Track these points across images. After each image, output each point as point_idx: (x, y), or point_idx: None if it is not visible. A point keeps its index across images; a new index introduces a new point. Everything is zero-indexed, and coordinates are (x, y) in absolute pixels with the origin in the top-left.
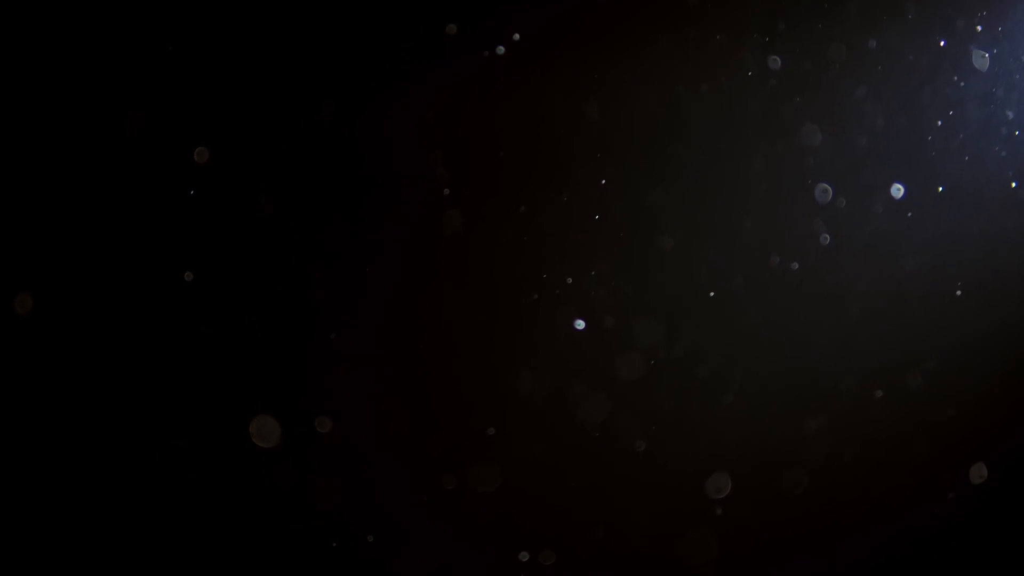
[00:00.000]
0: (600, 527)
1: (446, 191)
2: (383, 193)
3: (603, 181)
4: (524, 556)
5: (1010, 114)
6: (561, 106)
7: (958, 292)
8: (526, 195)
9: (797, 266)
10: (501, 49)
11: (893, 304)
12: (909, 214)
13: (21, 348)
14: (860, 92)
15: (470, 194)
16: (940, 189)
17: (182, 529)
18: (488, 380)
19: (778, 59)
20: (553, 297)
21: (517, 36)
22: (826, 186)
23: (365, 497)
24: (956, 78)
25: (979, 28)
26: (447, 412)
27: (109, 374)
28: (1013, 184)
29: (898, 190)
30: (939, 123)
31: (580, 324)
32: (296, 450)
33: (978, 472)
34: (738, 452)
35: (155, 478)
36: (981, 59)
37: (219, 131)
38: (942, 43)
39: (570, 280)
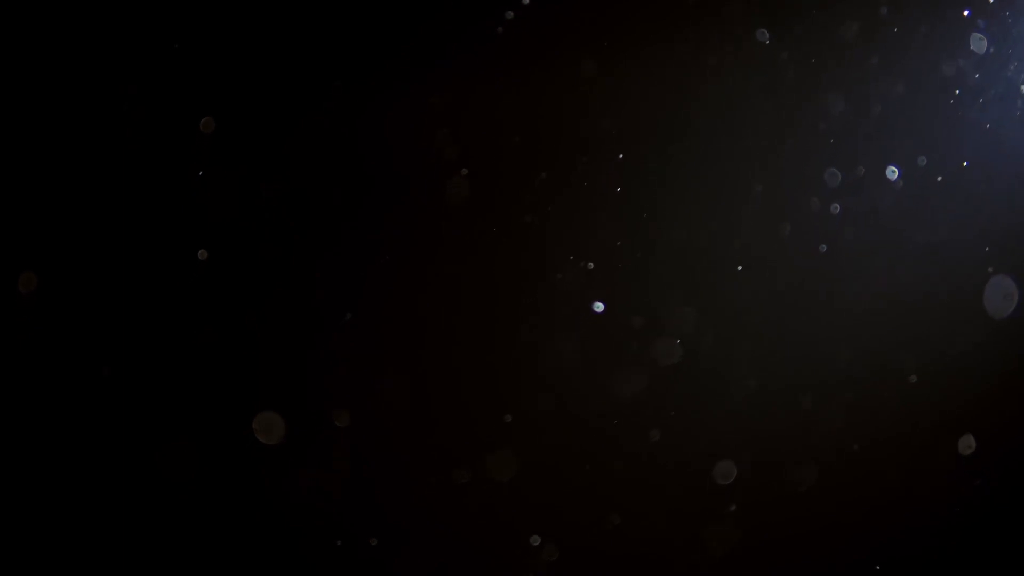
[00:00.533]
0: (615, 514)
1: (464, 171)
2: (389, 182)
3: (620, 155)
4: (536, 540)
5: None
6: (573, 80)
7: (989, 269)
8: (542, 173)
9: (825, 248)
10: (510, 14)
11: (906, 296)
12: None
13: (23, 346)
14: (874, 62)
15: (486, 178)
16: (965, 164)
17: (186, 525)
18: (504, 367)
19: (792, 31)
20: (570, 280)
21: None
22: (835, 170)
23: (376, 487)
24: (972, 49)
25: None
26: (462, 399)
27: (113, 371)
28: None
29: (892, 172)
30: (957, 91)
31: (599, 307)
32: (304, 446)
33: (966, 443)
34: (747, 442)
35: (157, 476)
36: (979, 42)
37: (220, 129)
38: (966, 13)
39: (591, 265)
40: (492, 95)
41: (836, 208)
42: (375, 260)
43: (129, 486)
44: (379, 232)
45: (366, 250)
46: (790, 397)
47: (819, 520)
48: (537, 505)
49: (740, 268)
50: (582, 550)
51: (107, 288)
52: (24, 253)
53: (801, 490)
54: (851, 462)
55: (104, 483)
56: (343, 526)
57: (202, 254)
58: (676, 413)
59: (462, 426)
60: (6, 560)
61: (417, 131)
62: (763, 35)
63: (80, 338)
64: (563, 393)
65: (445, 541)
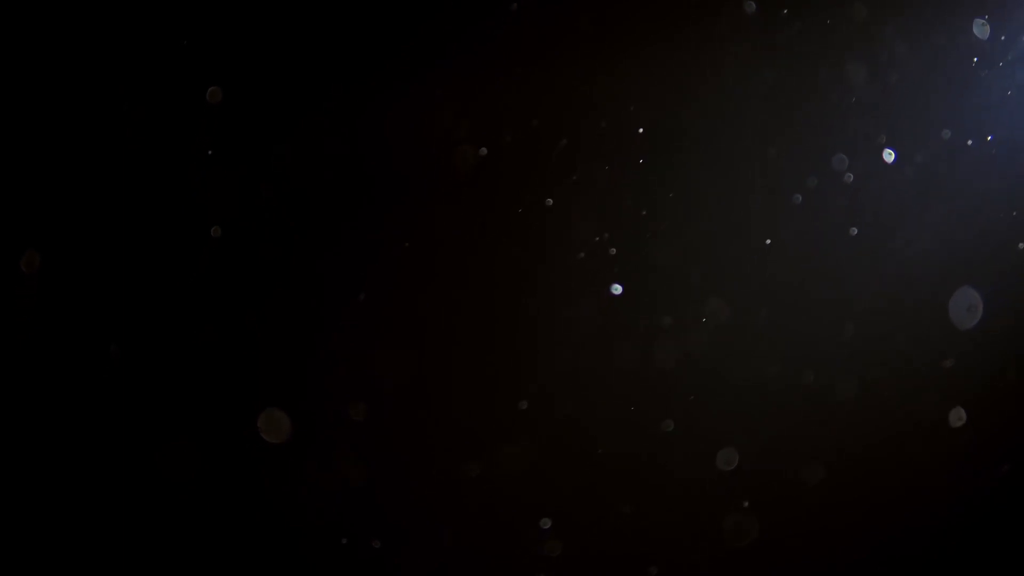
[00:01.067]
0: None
1: (483, 150)
2: (389, 182)
3: (640, 130)
4: (546, 523)
5: None
6: (590, 55)
7: (1020, 245)
8: (555, 150)
9: (856, 231)
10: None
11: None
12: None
13: (23, 344)
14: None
15: (495, 163)
16: (989, 138)
17: (188, 525)
18: (516, 354)
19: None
20: (590, 264)
21: None
22: (843, 156)
23: (385, 482)
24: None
25: None
26: (479, 385)
27: (113, 370)
28: None
29: (889, 154)
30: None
31: (617, 289)
32: (308, 444)
33: (957, 416)
34: (756, 435)
35: (158, 476)
36: (981, 27)
37: (220, 129)
38: None
39: (614, 251)
40: (495, 92)
41: (849, 177)
42: (377, 258)
43: (131, 486)
44: (379, 231)
45: (366, 249)
46: (798, 393)
47: (821, 518)
48: (548, 494)
49: (768, 242)
50: (593, 540)
51: (108, 287)
52: (25, 251)
53: (808, 487)
54: (853, 460)
55: (106, 483)
56: (350, 524)
57: (215, 231)
58: (695, 399)
59: (474, 415)
60: (6, 560)
61: (417, 130)
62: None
63: (81, 337)
64: (577, 380)
65: (454, 530)
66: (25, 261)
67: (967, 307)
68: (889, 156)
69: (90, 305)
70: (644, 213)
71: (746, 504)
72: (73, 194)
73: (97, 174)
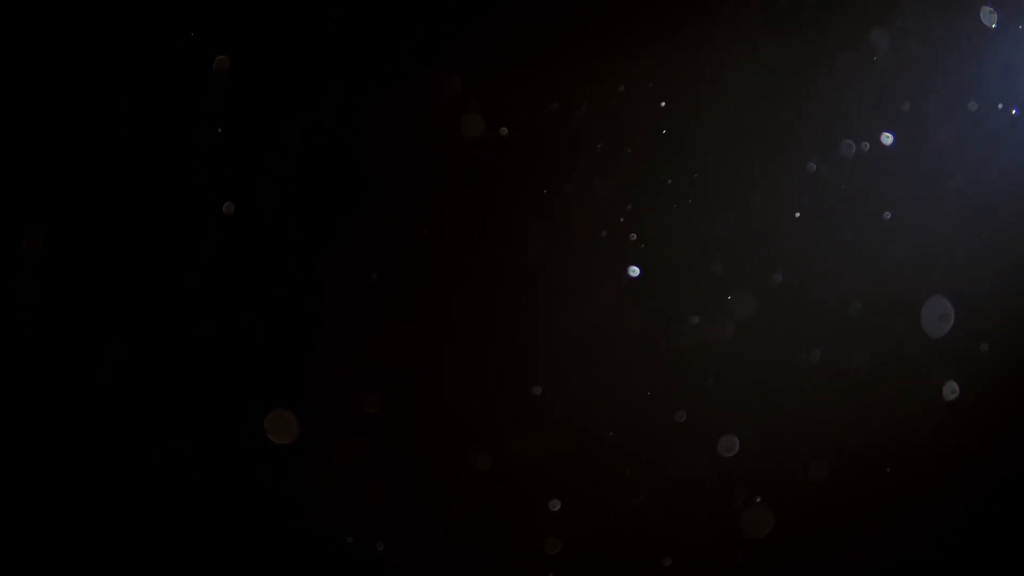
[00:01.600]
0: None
1: (503, 130)
2: (389, 181)
3: (662, 104)
4: (555, 505)
5: None
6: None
7: None
8: (567, 139)
9: (891, 219)
10: None
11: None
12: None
13: (26, 345)
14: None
15: (506, 152)
16: (1014, 112)
17: (192, 525)
18: (533, 340)
19: None
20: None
21: None
22: (850, 141)
23: (391, 479)
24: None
25: None
26: (494, 370)
27: (115, 373)
28: None
29: (887, 138)
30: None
31: (635, 271)
32: (311, 444)
33: (950, 389)
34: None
35: (160, 476)
36: (989, 16)
37: (220, 130)
38: None
39: (634, 236)
40: (495, 92)
41: (861, 146)
42: (378, 256)
43: (132, 486)
44: (379, 231)
45: (367, 249)
46: (800, 392)
47: (826, 514)
48: (561, 484)
49: (798, 215)
50: (606, 530)
51: (110, 288)
52: (26, 252)
53: (812, 484)
54: (854, 460)
55: (112, 482)
56: (356, 522)
57: (228, 207)
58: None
59: (489, 400)
60: (6, 560)
61: (418, 130)
62: None
63: (84, 338)
64: (590, 369)
65: (467, 521)
66: (27, 242)
67: (939, 316)
68: (888, 139)
69: (92, 306)
70: (670, 182)
71: (758, 499)
72: (72, 197)
73: (98, 176)
